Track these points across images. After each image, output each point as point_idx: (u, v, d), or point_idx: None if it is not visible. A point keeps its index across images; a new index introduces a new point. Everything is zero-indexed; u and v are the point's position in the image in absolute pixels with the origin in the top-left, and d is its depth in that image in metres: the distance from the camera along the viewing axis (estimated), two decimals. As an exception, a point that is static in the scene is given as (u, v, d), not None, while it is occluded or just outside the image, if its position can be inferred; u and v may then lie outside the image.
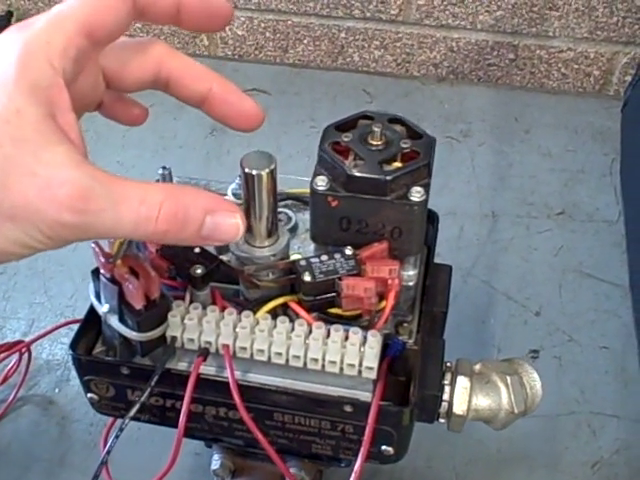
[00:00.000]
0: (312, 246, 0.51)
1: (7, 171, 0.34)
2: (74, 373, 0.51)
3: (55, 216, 0.34)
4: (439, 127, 1.11)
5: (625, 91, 1.10)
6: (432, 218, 0.55)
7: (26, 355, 0.80)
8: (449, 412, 0.50)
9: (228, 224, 0.38)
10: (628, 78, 1.14)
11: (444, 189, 1.01)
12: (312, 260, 0.47)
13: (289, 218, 0.55)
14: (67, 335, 0.83)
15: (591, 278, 0.91)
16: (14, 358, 0.79)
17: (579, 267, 0.93)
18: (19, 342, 0.79)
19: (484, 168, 1.06)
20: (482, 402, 0.51)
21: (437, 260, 0.56)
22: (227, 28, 1.23)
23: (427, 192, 0.46)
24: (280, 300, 0.48)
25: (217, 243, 0.39)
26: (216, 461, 0.63)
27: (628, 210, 0.95)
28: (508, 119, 1.13)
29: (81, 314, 0.51)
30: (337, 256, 0.47)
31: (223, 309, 0.47)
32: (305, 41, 1.23)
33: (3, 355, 0.77)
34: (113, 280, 0.45)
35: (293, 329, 0.45)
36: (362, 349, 0.45)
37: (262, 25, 1.23)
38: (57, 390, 0.82)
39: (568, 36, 1.15)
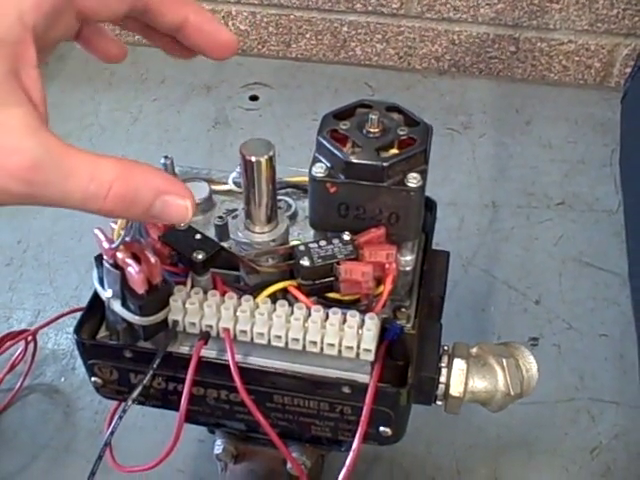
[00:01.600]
0: (312, 232, 0.52)
1: None
2: (79, 362, 0.52)
3: (1, 183, 0.33)
4: (440, 119, 1.12)
5: (624, 83, 1.10)
6: (430, 205, 0.56)
7: (32, 344, 0.81)
8: (446, 394, 0.51)
9: (177, 206, 0.37)
10: (629, 70, 1.15)
11: (445, 180, 1.02)
12: (311, 245, 0.47)
13: (289, 205, 0.56)
14: (72, 325, 0.82)
15: (590, 267, 0.92)
16: (20, 347, 0.81)
17: (579, 256, 0.93)
18: (24, 331, 0.80)
19: (485, 159, 1.06)
20: (478, 384, 0.52)
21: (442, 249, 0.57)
22: (230, 23, 1.24)
23: (424, 178, 0.47)
24: (280, 285, 0.48)
25: (165, 222, 0.40)
26: (219, 446, 0.63)
27: (627, 200, 0.96)
28: (509, 111, 1.14)
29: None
30: (335, 241, 0.47)
31: (224, 294, 0.48)
32: (308, 35, 1.24)
33: (9, 343, 0.79)
34: (116, 266, 0.46)
35: (292, 313, 0.46)
36: (360, 332, 0.46)
37: (265, 20, 1.23)
38: (63, 379, 0.83)
39: (569, 28, 1.15)
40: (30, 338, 0.80)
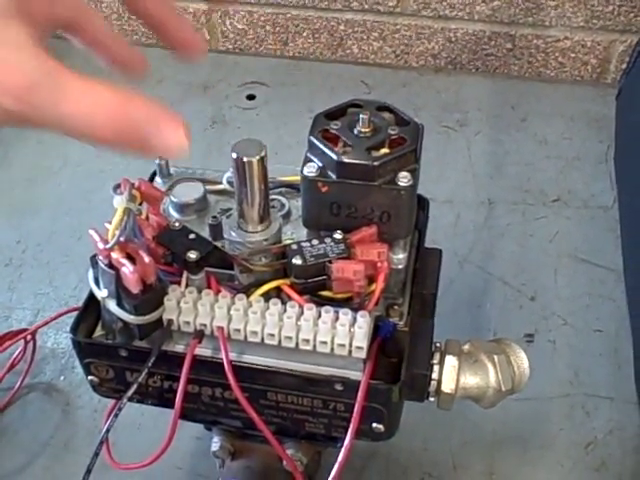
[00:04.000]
0: (305, 231, 0.52)
1: None
2: (78, 361, 0.53)
3: None
4: (436, 117, 1.12)
5: (619, 79, 1.11)
6: (422, 203, 0.57)
7: (31, 343, 0.82)
8: (438, 390, 0.52)
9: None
10: (625, 66, 1.15)
11: (441, 178, 1.03)
12: (303, 244, 0.48)
13: (282, 205, 0.57)
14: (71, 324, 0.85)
15: (586, 263, 0.93)
16: (20, 346, 0.81)
17: (574, 252, 0.94)
18: (24, 330, 0.81)
19: (480, 156, 1.07)
20: (470, 380, 0.52)
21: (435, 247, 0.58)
22: (227, 22, 1.25)
23: (414, 177, 0.48)
24: (273, 284, 0.49)
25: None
26: (216, 443, 0.64)
27: (622, 196, 0.96)
28: (505, 108, 1.14)
29: (84, 303, 0.53)
30: (327, 240, 0.48)
31: (218, 293, 0.49)
32: (305, 34, 1.24)
33: (9, 343, 0.79)
34: (110, 266, 0.46)
35: (285, 311, 0.47)
36: (352, 329, 0.46)
37: (262, 19, 1.24)
38: (62, 377, 0.83)
39: (565, 25, 1.16)
40: (29, 337, 0.81)
